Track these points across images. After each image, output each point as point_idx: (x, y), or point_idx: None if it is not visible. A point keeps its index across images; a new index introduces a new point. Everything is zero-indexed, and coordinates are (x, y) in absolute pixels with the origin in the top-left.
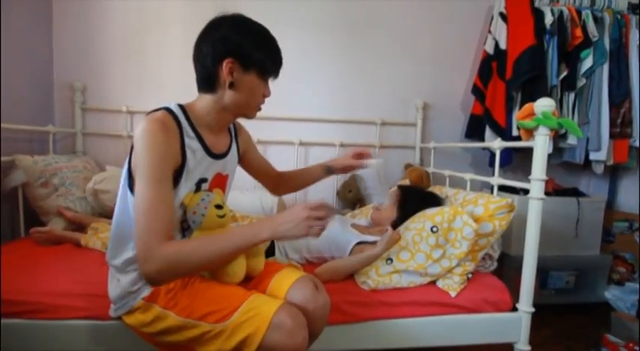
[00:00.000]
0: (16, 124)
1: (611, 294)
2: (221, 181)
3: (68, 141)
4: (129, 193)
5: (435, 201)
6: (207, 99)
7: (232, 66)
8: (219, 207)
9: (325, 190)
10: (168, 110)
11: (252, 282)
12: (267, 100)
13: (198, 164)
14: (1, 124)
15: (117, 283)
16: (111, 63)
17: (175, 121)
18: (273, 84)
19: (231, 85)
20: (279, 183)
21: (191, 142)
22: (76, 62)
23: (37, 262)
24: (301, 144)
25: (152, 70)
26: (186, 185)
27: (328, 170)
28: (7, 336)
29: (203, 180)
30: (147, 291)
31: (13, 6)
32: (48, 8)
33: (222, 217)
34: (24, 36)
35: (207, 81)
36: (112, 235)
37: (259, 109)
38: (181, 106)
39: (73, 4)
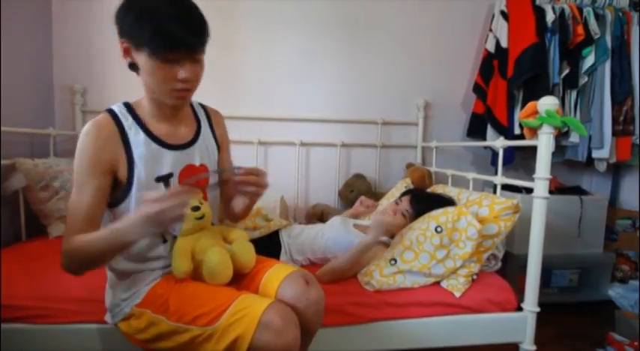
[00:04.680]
0: (16, 127)
1: (614, 292)
2: (195, 174)
3: (69, 144)
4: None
5: (449, 204)
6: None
7: (126, 46)
8: (196, 208)
9: (327, 189)
10: (110, 111)
11: (244, 280)
12: (268, 100)
13: (154, 157)
14: (2, 127)
15: (111, 293)
16: (111, 65)
17: (115, 121)
18: (274, 84)
19: (133, 67)
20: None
21: (136, 138)
22: (76, 64)
23: (38, 267)
24: (302, 144)
25: None
26: (147, 178)
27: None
28: (10, 341)
29: (169, 175)
30: (138, 298)
31: (12, 8)
32: (47, 10)
33: (200, 218)
34: (24, 38)
35: (129, 66)
36: None
37: (178, 94)
38: (127, 104)
39: (73, 6)
